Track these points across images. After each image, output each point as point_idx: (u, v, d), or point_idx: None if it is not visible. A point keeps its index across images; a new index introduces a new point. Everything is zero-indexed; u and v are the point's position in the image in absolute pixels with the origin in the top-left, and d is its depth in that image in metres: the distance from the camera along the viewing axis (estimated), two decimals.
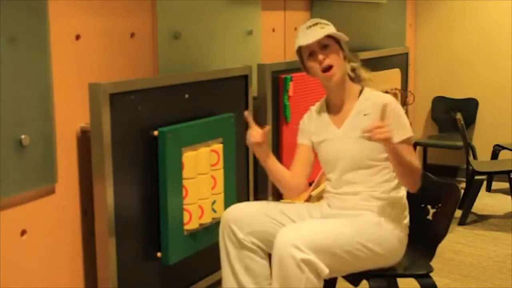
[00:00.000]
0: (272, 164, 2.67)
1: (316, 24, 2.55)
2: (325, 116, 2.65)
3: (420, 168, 2.50)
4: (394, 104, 2.53)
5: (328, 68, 2.53)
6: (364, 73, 2.65)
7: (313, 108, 2.73)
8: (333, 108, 2.65)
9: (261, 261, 2.58)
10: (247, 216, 2.57)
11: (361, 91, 2.61)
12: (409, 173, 2.45)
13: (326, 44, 2.53)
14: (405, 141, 2.50)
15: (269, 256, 2.54)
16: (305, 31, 2.56)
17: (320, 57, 2.52)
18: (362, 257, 2.43)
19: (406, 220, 2.60)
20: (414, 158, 2.50)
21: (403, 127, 2.51)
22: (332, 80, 2.54)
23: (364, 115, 2.53)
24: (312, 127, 2.69)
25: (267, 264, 2.59)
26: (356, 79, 2.64)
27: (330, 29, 2.56)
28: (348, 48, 2.61)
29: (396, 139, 2.42)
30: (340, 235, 2.39)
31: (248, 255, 2.55)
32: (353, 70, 2.63)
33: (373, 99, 2.56)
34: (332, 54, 2.53)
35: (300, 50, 2.61)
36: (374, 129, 2.31)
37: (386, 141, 2.32)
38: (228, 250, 2.58)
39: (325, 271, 2.31)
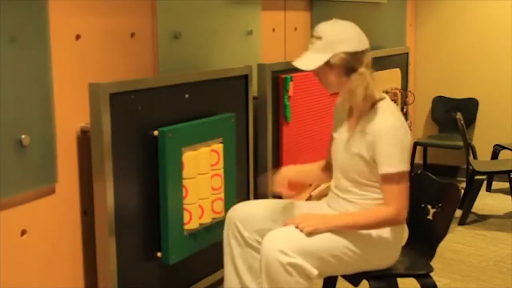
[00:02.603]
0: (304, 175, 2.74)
1: (313, 42, 2.44)
2: (345, 113, 2.60)
3: (390, 214, 2.39)
4: (390, 133, 2.39)
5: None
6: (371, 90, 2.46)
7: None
8: (351, 109, 2.58)
9: None
10: (253, 214, 2.57)
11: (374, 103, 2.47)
12: (375, 227, 2.43)
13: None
14: (384, 177, 2.39)
15: None
16: (308, 45, 2.49)
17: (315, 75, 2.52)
18: (350, 262, 2.42)
19: (401, 227, 2.57)
20: (391, 200, 2.38)
21: (387, 162, 2.38)
22: (329, 92, 2.55)
23: (366, 133, 2.43)
24: (335, 116, 2.67)
25: None
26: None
27: (316, 48, 2.42)
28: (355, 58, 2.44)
29: (381, 170, 2.39)
30: (327, 239, 2.38)
31: (252, 254, 2.55)
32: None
33: (376, 121, 2.42)
34: (321, 76, 2.48)
35: None
36: (297, 223, 2.37)
37: (315, 232, 2.36)
38: (232, 249, 2.58)
39: (314, 272, 2.31)
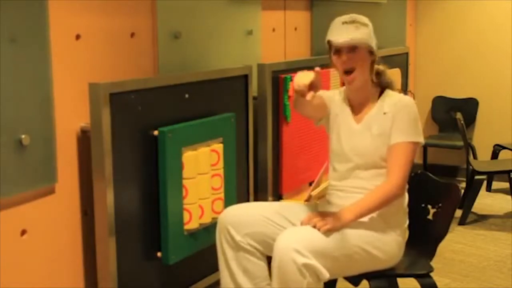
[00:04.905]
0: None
1: (353, 22, 2.49)
2: (347, 106, 2.62)
3: (391, 188, 2.44)
4: (409, 107, 2.53)
5: (350, 71, 2.49)
6: (388, 77, 2.63)
7: (339, 92, 2.69)
8: (354, 104, 2.62)
9: (258, 262, 2.57)
10: (244, 218, 2.56)
11: (381, 92, 2.59)
12: (382, 205, 2.45)
13: (355, 46, 2.47)
14: (395, 146, 2.48)
15: (267, 257, 2.54)
16: (339, 26, 2.50)
17: (344, 58, 2.47)
18: (361, 261, 2.43)
19: (406, 225, 2.60)
20: (392, 171, 2.44)
21: (401, 132, 2.49)
22: (351, 84, 2.51)
23: (384, 113, 2.52)
24: (336, 100, 2.66)
25: (265, 265, 2.58)
26: (379, 83, 2.60)
27: (364, 32, 2.48)
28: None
29: (393, 140, 2.47)
30: (340, 239, 2.38)
31: (245, 257, 2.54)
32: (377, 73, 2.60)
33: (392, 99, 2.55)
34: (358, 58, 2.47)
35: (330, 42, 2.54)
36: (314, 222, 2.36)
37: (332, 229, 2.36)
38: (225, 252, 2.57)
39: (326, 275, 2.31)
